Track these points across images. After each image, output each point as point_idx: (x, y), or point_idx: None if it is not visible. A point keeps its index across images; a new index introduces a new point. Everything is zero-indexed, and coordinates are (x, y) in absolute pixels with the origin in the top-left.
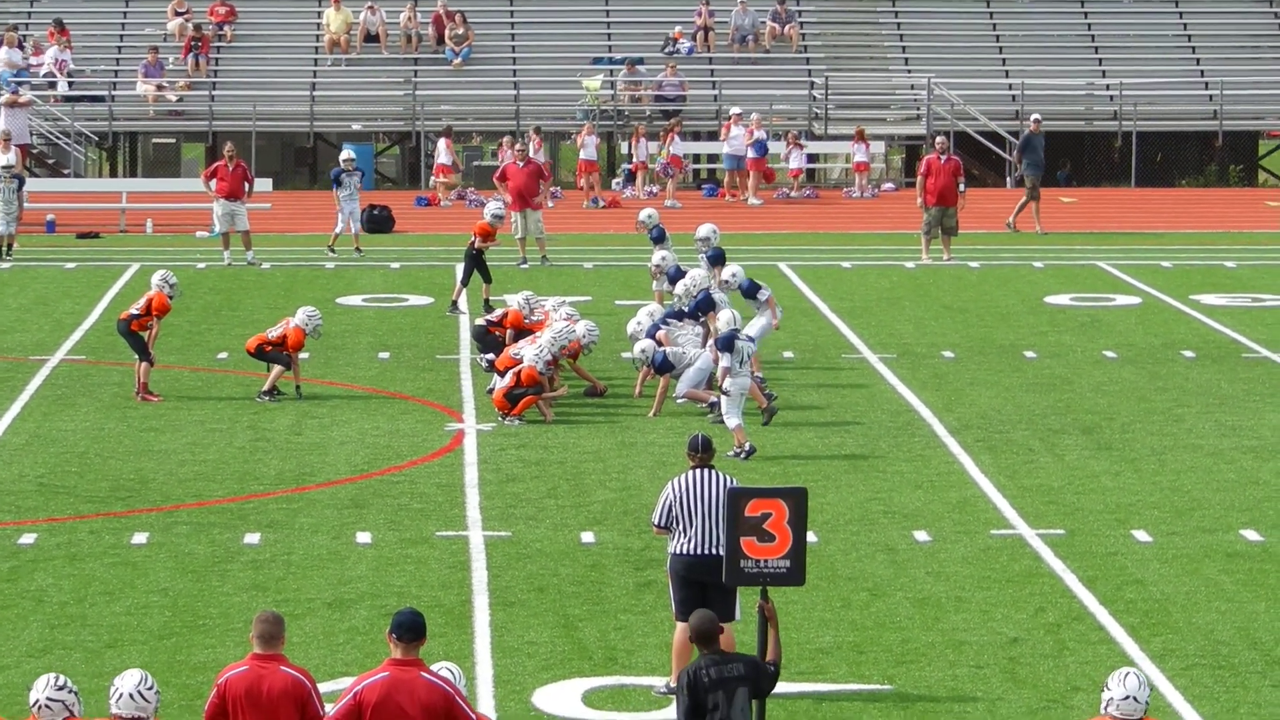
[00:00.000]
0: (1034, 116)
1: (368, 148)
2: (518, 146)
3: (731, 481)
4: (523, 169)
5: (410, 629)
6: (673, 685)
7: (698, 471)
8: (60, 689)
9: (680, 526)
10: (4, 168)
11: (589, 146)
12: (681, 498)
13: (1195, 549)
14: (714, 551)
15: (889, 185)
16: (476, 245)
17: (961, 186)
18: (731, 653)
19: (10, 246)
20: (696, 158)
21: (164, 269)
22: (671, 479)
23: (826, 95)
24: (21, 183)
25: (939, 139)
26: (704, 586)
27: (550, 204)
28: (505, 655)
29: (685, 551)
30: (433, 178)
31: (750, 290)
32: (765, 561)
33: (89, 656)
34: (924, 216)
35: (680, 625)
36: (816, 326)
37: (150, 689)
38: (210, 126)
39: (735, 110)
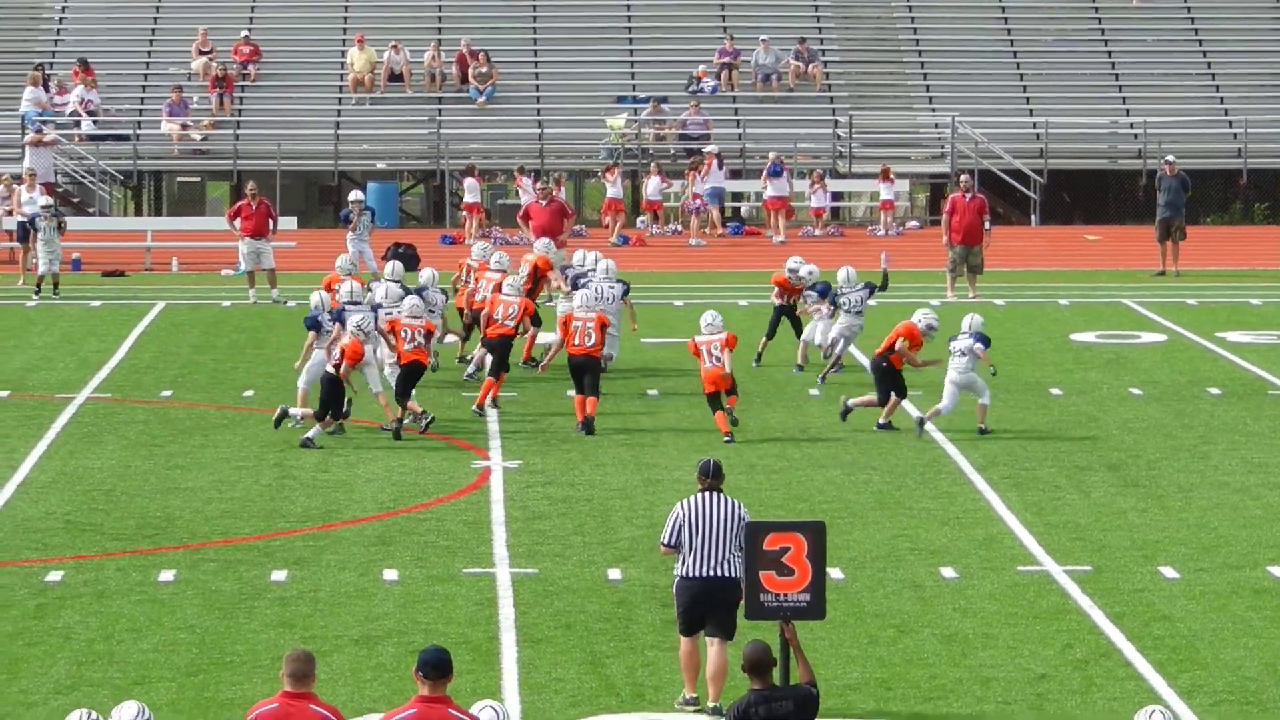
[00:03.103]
0: (1168, 158)
1: (392, 186)
2: (539, 186)
3: (740, 506)
4: (545, 208)
5: (436, 666)
6: (690, 697)
7: (706, 494)
8: None
9: (687, 548)
10: (44, 207)
11: (616, 185)
12: (690, 519)
13: (1222, 585)
14: (717, 573)
15: (914, 223)
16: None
17: (987, 224)
18: (780, 687)
19: (56, 285)
20: (721, 196)
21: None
22: (681, 500)
23: (851, 134)
24: (62, 224)
25: (964, 177)
26: (710, 605)
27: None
28: (533, 692)
29: (689, 574)
30: (460, 213)
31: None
32: (785, 595)
33: (116, 694)
34: (949, 254)
35: (684, 640)
36: (845, 362)
37: None
38: (235, 165)
39: (710, 149)
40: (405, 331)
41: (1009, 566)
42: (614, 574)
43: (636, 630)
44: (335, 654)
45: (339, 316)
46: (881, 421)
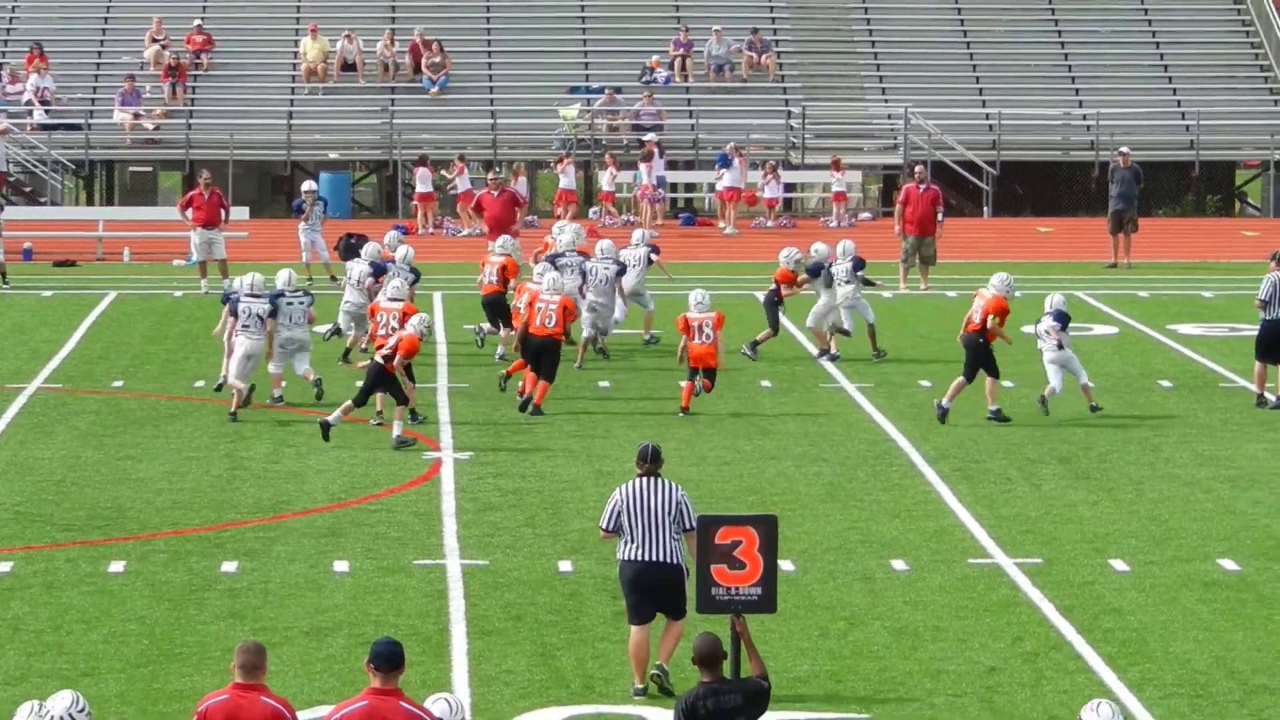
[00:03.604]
0: (1121, 149)
1: (345, 176)
2: (491, 175)
3: (677, 490)
4: (497, 198)
5: (388, 659)
6: (639, 687)
7: (645, 479)
8: (81, 711)
9: (627, 533)
10: None
11: (569, 175)
12: (628, 504)
13: (1173, 578)
14: (656, 558)
15: (866, 215)
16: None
17: (940, 216)
18: (730, 680)
19: (4, 275)
20: (675, 186)
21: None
22: (619, 485)
23: (804, 125)
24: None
25: (918, 168)
26: (653, 591)
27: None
28: (482, 684)
29: (631, 558)
30: (413, 203)
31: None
32: (736, 589)
33: (66, 684)
34: (902, 245)
35: (634, 629)
36: (794, 355)
37: (82, 711)
38: (187, 155)
39: (650, 137)
40: (381, 316)
41: (959, 559)
42: (565, 566)
43: (587, 622)
44: (285, 645)
45: (230, 303)
46: (993, 408)
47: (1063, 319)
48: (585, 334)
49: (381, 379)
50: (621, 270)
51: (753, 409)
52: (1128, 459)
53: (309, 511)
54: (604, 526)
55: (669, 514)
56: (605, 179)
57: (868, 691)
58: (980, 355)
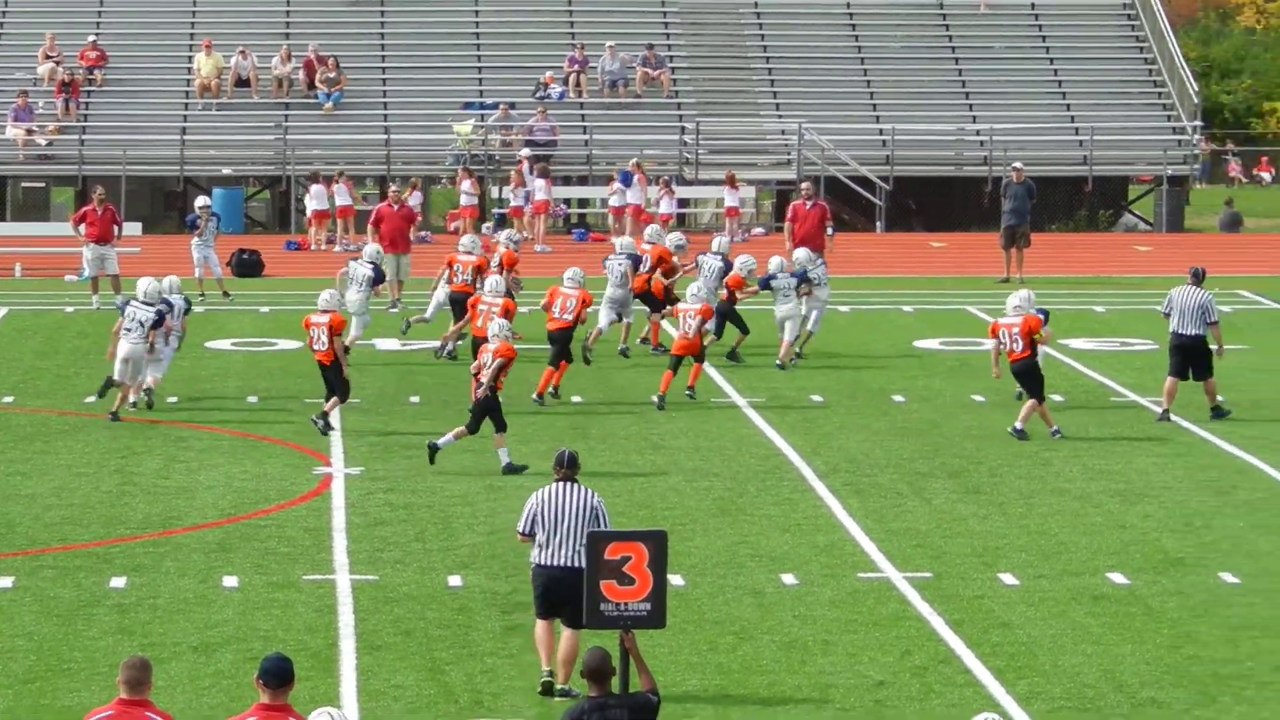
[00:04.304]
0: (1015, 164)
1: (238, 192)
2: (392, 190)
3: (592, 496)
4: (397, 213)
5: (276, 675)
6: (545, 670)
7: (561, 485)
8: None
9: (541, 537)
10: None
11: (469, 191)
12: (542, 508)
13: (1062, 592)
14: (568, 563)
15: (759, 230)
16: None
17: (830, 231)
18: (617, 695)
19: None
20: (568, 202)
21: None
22: (537, 490)
23: (697, 140)
24: None
25: (805, 185)
26: (559, 595)
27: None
28: (371, 699)
29: (544, 563)
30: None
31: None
32: (626, 605)
33: None
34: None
35: (539, 622)
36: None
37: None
38: (80, 170)
39: (525, 153)
40: (313, 330)
41: (849, 573)
42: (454, 581)
43: (476, 637)
44: (174, 661)
45: (121, 309)
46: (1019, 427)
47: (1043, 315)
48: (599, 327)
49: (489, 407)
50: (637, 262)
51: (644, 424)
52: (1018, 473)
53: (199, 527)
54: (520, 530)
55: (581, 521)
56: (520, 195)
57: (757, 706)
58: (1038, 378)
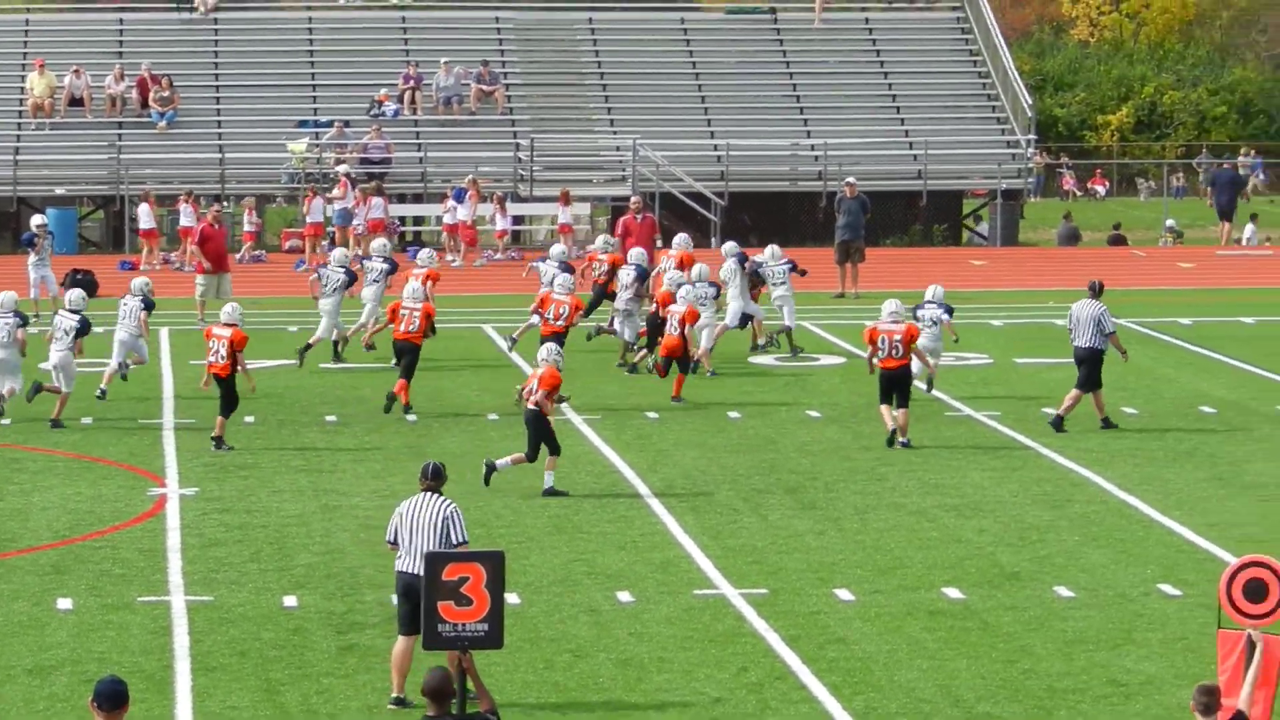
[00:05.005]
0: (848, 179)
1: (71, 212)
2: (214, 210)
3: (446, 507)
4: (219, 231)
5: (110, 697)
6: (396, 697)
7: (423, 495)
8: None
9: (402, 545)
10: None
11: (315, 211)
12: (403, 518)
13: (898, 607)
14: (418, 571)
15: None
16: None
17: (659, 245)
18: (456, 715)
19: None
20: (402, 220)
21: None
22: (404, 499)
23: (532, 157)
24: None
25: (634, 199)
26: (411, 603)
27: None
28: None
29: (401, 569)
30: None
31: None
32: (463, 625)
33: None
34: None
35: (401, 638)
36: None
37: None
38: None
39: (342, 168)
40: (213, 342)
41: (685, 590)
42: (290, 601)
43: (311, 657)
44: (7, 684)
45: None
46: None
47: (949, 310)
48: (627, 338)
49: (542, 430)
50: (643, 276)
51: (480, 443)
52: (854, 488)
53: (33, 549)
54: (388, 539)
55: (434, 528)
56: (315, 212)
57: None
58: (909, 385)
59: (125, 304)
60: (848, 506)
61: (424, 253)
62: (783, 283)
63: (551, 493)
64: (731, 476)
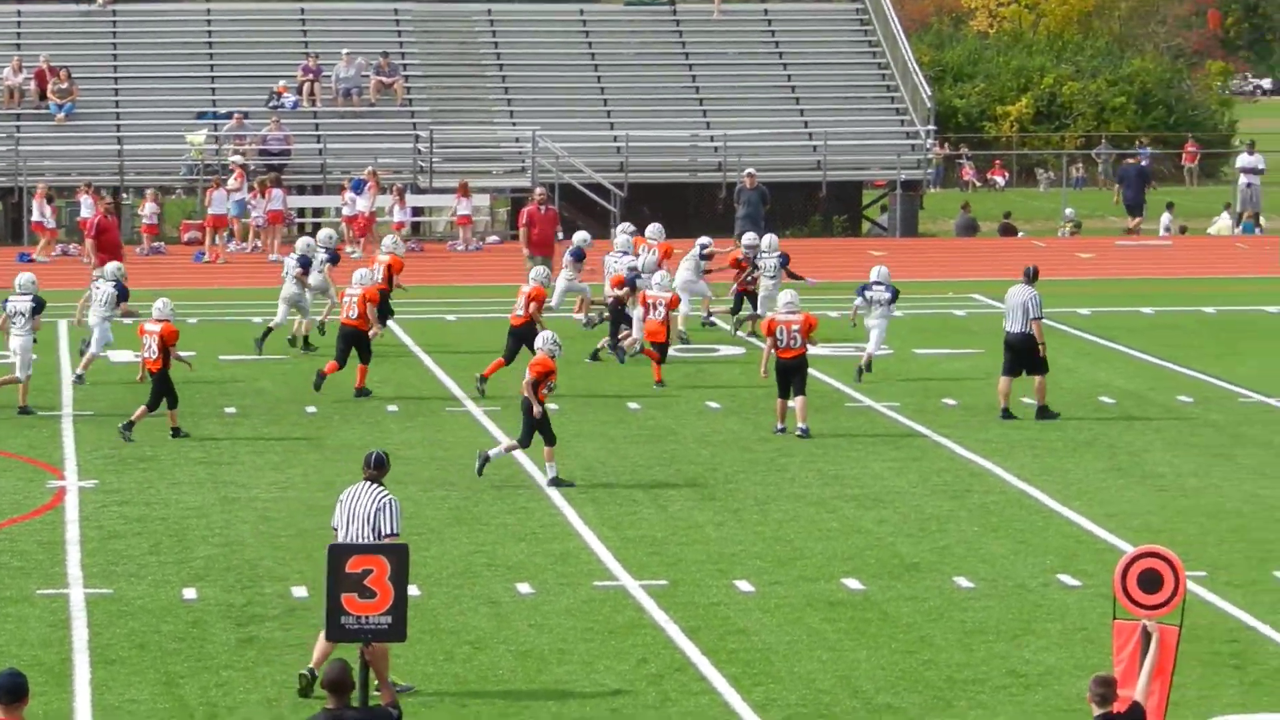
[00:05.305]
0: (748, 170)
1: None
2: (105, 202)
3: (381, 498)
4: (111, 221)
5: (10, 691)
6: (309, 669)
7: (363, 484)
8: None
9: (340, 532)
10: None
11: (217, 203)
12: (342, 505)
13: (797, 598)
14: None
15: (494, 238)
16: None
17: (560, 236)
18: (356, 708)
19: None
20: (301, 212)
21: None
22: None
23: (431, 148)
24: None
25: (538, 190)
26: None
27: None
28: (106, 714)
29: None
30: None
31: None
32: (367, 618)
33: None
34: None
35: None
36: (420, 379)
37: None
38: None
39: (236, 159)
40: (145, 338)
41: (585, 582)
42: (189, 593)
43: (211, 650)
44: None
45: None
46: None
47: (894, 292)
48: (635, 336)
49: (536, 420)
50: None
51: (379, 435)
52: (754, 479)
53: None
54: (332, 524)
55: (366, 519)
56: (218, 204)
57: (493, 716)
58: (806, 374)
59: (98, 288)
60: (748, 497)
61: (388, 239)
62: (774, 276)
63: (556, 483)
64: (631, 467)
